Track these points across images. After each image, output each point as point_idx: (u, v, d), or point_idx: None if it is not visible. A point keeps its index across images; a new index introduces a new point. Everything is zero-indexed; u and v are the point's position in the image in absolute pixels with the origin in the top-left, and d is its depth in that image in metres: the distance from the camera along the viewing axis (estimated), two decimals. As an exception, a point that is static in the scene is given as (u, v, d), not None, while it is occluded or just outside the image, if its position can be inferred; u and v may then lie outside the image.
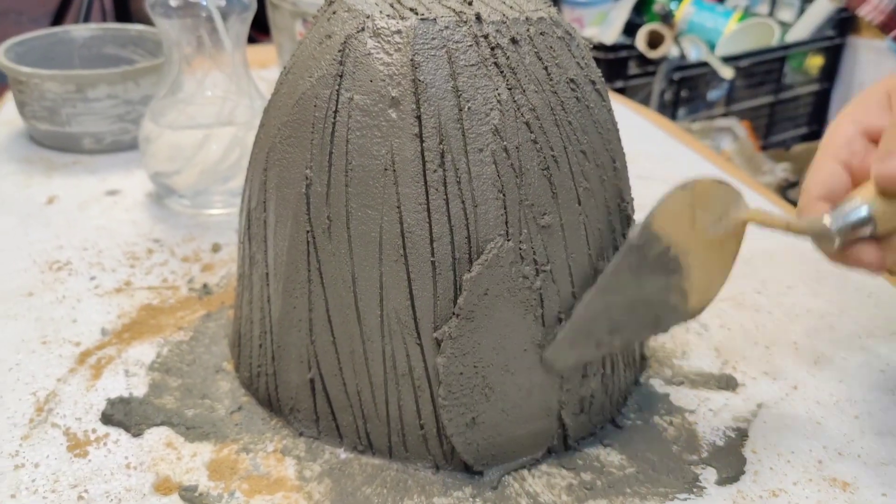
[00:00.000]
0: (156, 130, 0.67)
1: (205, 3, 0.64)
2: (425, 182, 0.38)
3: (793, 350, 0.54)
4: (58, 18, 1.89)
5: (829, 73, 2.05)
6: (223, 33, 0.66)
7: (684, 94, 1.82)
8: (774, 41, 1.92)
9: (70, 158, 0.78)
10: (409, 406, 0.41)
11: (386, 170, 0.38)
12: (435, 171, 0.38)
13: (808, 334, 0.55)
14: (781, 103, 2.01)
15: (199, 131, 0.67)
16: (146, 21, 0.84)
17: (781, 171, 1.72)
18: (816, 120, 2.11)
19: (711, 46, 1.87)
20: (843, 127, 0.43)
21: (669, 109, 1.79)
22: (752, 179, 0.82)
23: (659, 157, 0.84)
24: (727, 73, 1.79)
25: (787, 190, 1.46)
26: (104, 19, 2.06)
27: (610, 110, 0.44)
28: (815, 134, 2.11)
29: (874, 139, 0.42)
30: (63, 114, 0.76)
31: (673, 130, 0.94)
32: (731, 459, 0.44)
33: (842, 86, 2.07)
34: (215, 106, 0.68)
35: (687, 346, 0.54)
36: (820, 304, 0.59)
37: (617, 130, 0.45)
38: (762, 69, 1.92)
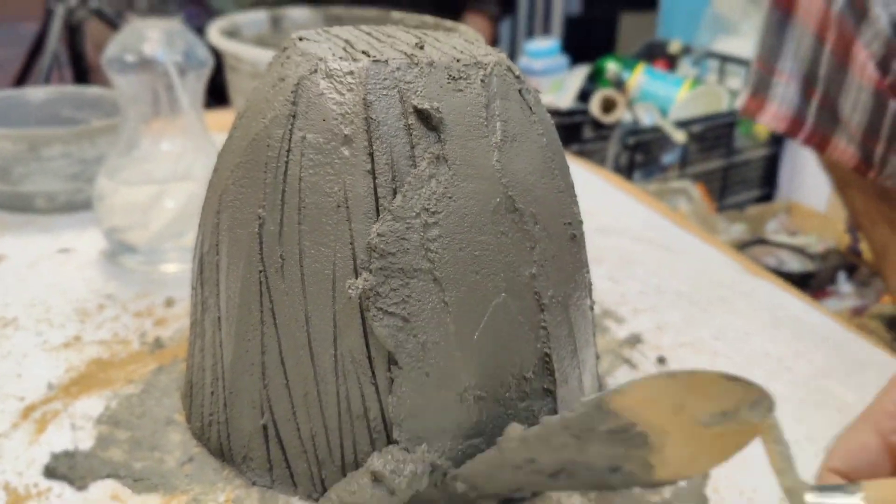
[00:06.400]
0: (110, 186, 0.66)
1: (161, 60, 0.65)
2: (378, 218, 0.38)
3: (751, 392, 0.54)
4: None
5: (777, 139, 2.11)
6: (179, 90, 0.66)
7: (639, 158, 1.86)
8: (724, 107, 1.98)
9: (22, 218, 0.76)
10: (364, 450, 0.40)
11: (339, 206, 0.38)
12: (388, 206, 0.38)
13: (766, 377, 0.56)
14: (734, 167, 2.07)
15: (154, 187, 0.67)
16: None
17: (736, 231, 1.76)
18: (767, 183, 2.17)
19: (664, 112, 1.93)
20: None
21: (625, 173, 1.82)
22: (710, 236, 0.83)
23: (616, 213, 0.85)
24: (680, 137, 1.84)
25: (743, 248, 1.49)
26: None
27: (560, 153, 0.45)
28: (767, 196, 2.17)
29: None
30: (15, 173, 0.75)
31: (629, 189, 0.96)
32: (692, 499, 0.44)
33: (789, 150, 2.13)
34: (171, 162, 0.68)
35: (646, 390, 0.53)
36: (777, 348, 0.60)
37: (569, 173, 0.46)
38: (714, 134, 1.98)
